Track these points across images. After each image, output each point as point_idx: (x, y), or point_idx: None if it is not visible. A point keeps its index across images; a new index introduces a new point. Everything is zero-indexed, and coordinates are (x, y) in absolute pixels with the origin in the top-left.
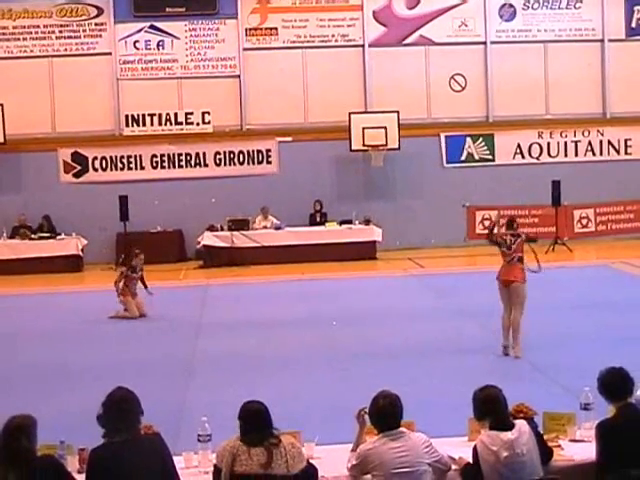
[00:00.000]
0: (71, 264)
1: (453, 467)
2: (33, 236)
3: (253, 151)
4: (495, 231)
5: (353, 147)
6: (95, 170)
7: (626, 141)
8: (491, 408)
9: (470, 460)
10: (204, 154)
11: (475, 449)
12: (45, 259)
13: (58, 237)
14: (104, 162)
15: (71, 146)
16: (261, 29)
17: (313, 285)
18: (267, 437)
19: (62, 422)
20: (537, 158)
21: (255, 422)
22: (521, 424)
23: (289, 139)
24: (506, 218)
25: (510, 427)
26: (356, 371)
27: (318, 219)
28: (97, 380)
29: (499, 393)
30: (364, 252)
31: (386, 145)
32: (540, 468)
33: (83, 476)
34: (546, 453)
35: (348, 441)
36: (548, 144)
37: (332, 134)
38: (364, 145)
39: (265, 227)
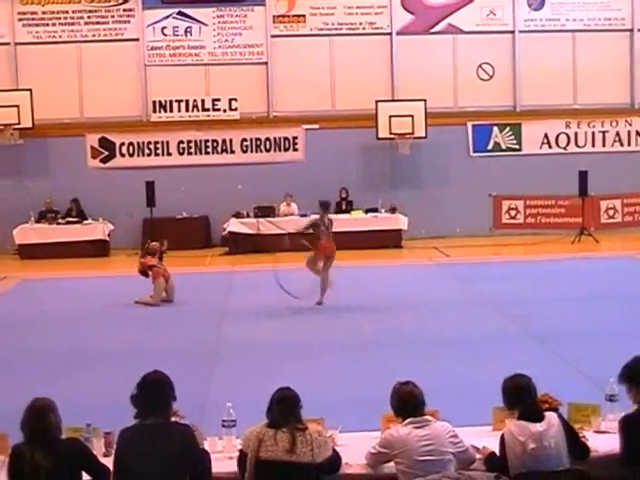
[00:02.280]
0: (97, 249)
1: (477, 456)
2: (60, 220)
3: (280, 138)
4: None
5: (380, 135)
6: (122, 155)
7: None
8: (520, 397)
9: (494, 450)
10: (231, 141)
11: (502, 438)
12: (71, 244)
13: (85, 222)
14: (131, 148)
15: (99, 131)
16: (289, 16)
17: (338, 273)
18: (293, 422)
19: (82, 406)
20: (564, 148)
21: (283, 406)
22: (551, 416)
23: (316, 126)
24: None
25: (540, 418)
26: (379, 359)
27: (344, 207)
28: (119, 365)
29: (529, 382)
30: (390, 240)
31: (413, 133)
32: (567, 460)
33: (109, 459)
34: (583, 450)
35: (372, 429)
36: (575, 134)
37: (359, 122)
38: (391, 133)
39: (292, 214)
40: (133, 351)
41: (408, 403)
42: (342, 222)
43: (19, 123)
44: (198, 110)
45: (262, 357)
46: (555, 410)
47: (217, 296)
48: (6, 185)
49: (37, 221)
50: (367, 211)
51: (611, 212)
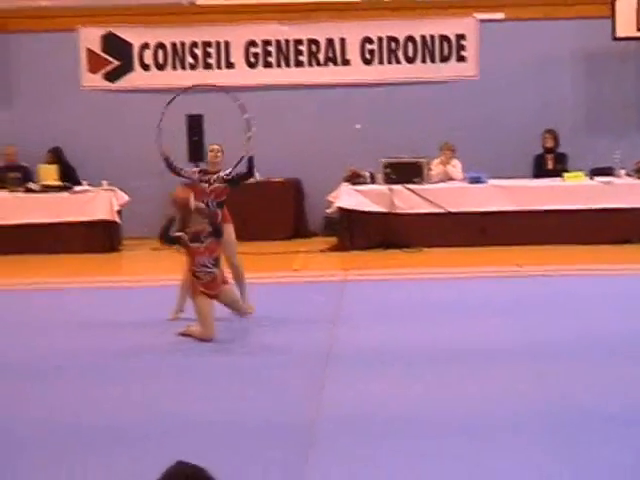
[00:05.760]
0: (100, 238)
1: None
2: (32, 186)
3: (432, 38)
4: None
5: (618, 33)
6: (145, 68)
7: None
8: None
9: None
10: (342, 42)
11: None
12: (53, 228)
13: (76, 188)
14: (161, 54)
15: (102, 23)
16: None
17: (539, 286)
18: None
19: None
20: None
21: None
22: None
23: (499, 16)
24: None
25: None
26: None
27: (550, 166)
28: (145, 446)
29: None
30: (637, 229)
31: None
32: None
33: None
34: None
35: None
36: None
37: (578, 8)
38: None
39: (454, 178)
40: (162, 427)
41: None
42: (546, 194)
43: None
44: None
45: (395, 439)
46: None
47: (314, 328)
48: None
49: None
50: (593, 173)
51: None
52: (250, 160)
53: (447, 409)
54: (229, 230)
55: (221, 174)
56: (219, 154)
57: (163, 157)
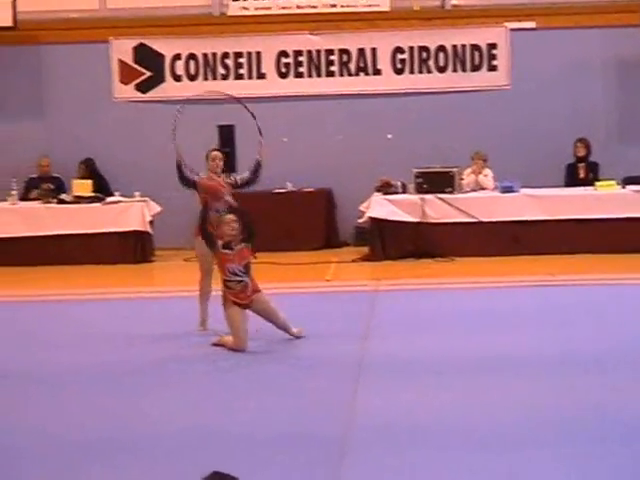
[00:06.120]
0: (131, 249)
1: None
2: (64, 197)
3: (463, 47)
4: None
5: None
6: (177, 79)
7: None
8: None
9: None
10: (373, 52)
11: None
12: (85, 239)
13: (109, 199)
14: (193, 65)
15: (134, 35)
16: None
17: (572, 295)
18: None
19: None
20: None
21: None
22: None
23: (530, 25)
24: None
25: None
26: None
27: (582, 175)
28: (163, 462)
29: None
30: None
31: None
32: None
33: None
34: None
35: None
36: None
37: (609, 17)
38: None
39: (485, 187)
40: (191, 438)
41: None
42: (579, 203)
43: None
44: None
45: (427, 451)
46: None
47: (345, 339)
48: None
49: (23, 197)
50: (626, 182)
51: None
52: (258, 164)
53: (476, 419)
54: None
55: (226, 180)
56: (220, 163)
57: (177, 163)
